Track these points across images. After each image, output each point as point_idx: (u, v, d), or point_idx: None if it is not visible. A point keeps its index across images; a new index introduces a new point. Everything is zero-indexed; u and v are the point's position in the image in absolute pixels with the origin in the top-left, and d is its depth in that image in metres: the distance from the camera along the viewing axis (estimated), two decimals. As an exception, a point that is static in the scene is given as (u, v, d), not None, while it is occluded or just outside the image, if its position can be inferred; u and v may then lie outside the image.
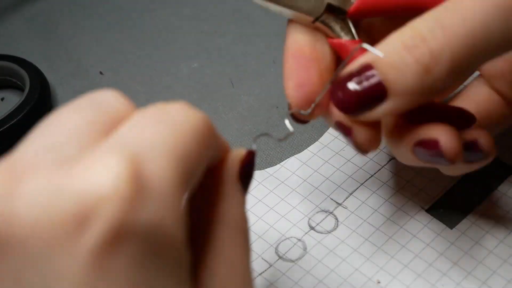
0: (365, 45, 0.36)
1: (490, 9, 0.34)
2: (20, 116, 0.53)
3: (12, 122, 0.53)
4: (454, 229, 0.45)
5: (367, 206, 0.47)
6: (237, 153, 0.35)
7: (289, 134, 0.39)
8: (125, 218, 0.26)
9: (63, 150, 0.28)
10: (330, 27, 0.39)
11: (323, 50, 0.40)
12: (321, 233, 0.46)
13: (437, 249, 0.44)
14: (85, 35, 0.61)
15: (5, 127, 0.53)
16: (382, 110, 0.36)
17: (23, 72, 0.56)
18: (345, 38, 0.39)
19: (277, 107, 0.55)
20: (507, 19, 0.34)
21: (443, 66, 0.34)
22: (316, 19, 0.39)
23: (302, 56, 0.39)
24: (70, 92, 0.57)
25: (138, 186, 0.27)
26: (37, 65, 0.57)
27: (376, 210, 0.47)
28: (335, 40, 0.39)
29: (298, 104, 0.39)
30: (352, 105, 0.37)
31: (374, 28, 0.42)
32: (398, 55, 0.35)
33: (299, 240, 0.46)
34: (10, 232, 0.26)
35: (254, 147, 0.36)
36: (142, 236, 0.27)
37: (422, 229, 0.45)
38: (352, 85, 0.36)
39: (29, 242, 0.26)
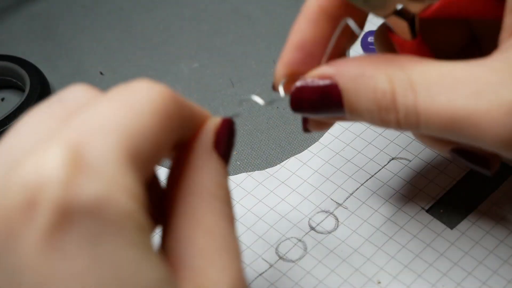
0: (349, 22, 0.38)
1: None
2: (20, 116, 0.53)
3: (12, 122, 0.53)
4: (454, 229, 0.45)
5: (367, 207, 0.47)
6: (213, 122, 0.36)
7: (275, 99, 0.40)
8: (66, 197, 0.28)
9: (22, 147, 0.30)
10: (393, 27, 0.39)
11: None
12: (322, 233, 0.46)
13: (438, 249, 0.44)
14: (85, 35, 0.61)
15: (5, 127, 0.53)
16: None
17: (23, 72, 0.56)
18: (406, 37, 0.39)
19: (277, 107, 0.55)
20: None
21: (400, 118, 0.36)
22: (386, 16, 0.39)
23: (301, 51, 0.40)
24: (70, 92, 0.57)
25: (76, 166, 0.28)
26: (37, 65, 0.57)
27: (376, 211, 0.46)
28: (396, 37, 0.39)
29: (291, 66, 0.40)
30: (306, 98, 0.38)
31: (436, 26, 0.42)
32: (363, 84, 0.37)
33: (300, 240, 0.46)
34: None
35: (238, 112, 0.36)
36: (88, 211, 0.28)
37: (422, 230, 0.45)
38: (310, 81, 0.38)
39: None
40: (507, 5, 0.36)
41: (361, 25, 0.40)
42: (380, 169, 0.49)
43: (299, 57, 0.39)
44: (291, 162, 0.50)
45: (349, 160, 0.49)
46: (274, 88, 0.41)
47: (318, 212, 0.47)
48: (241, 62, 0.58)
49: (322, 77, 0.38)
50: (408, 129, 0.37)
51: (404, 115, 0.36)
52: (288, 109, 0.54)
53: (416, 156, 0.49)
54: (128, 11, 0.63)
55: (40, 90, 0.55)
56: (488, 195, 0.47)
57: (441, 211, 0.46)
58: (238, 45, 0.59)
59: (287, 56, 0.40)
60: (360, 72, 0.37)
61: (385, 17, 0.38)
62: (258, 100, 0.40)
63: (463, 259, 0.44)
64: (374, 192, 0.47)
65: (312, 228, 0.46)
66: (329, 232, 0.46)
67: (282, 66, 0.40)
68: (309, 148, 0.51)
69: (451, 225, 0.45)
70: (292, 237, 0.46)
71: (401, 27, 0.39)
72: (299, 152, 0.51)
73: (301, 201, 0.48)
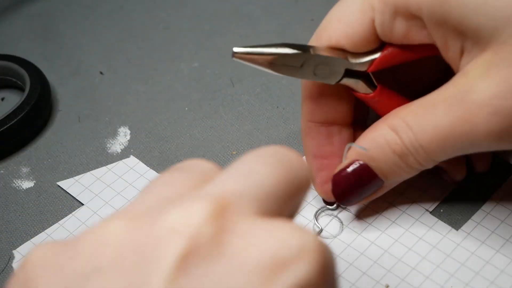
0: (352, 144, 0.44)
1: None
2: (20, 116, 0.53)
3: (12, 122, 0.53)
4: (459, 230, 0.45)
5: (371, 210, 0.47)
6: None
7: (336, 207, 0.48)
8: (315, 279, 0.29)
9: (264, 202, 0.31)
10: (351, 87, 0.44)
11: (339, 141, 0.46)
12: (327, 238, 0.46)
13: (444, 250, 0.44)
14: (85, 35, 0.61)
15: (5, 127, 0.53)
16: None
17: (23, 72, 0.56)
18: (366, 91, 0.44)
19: (277, 107, 0.55)
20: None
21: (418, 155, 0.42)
22: (337, 82, 0.43)
23: (316, 158, 0.46)
24: (70, 92, 0.57)
25: (329, 263, 0.30)
26: (37, 65, 0.57)
27: (380, 214, 0.46)
28: (358, 94, 0.44)
29: (326, 195, 0.47)
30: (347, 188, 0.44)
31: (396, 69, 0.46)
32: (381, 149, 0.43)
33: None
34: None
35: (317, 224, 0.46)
36: None
37: (428, 231, 0.45)
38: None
39: (236, 274, 0.28)
40: (438, 46, 0.41)
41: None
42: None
43: (321, 163, 0.46)
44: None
45: (351, 163, 0.49)
46: (326, 203, 0.47)
47: (322, 216, 0.47)
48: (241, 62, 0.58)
49: (350, 164, 0.44)
50: (428, 164, 0.42)
51: (416, 153, 0.41)
52: (288, 108, 0.54)
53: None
54: (128, 11, 0.63)
55: (40, 90, 0.55)
56: (491, 195, 0.47)
57: (446, 212, 0.46)
58: (238, 45, 0.59)
59: (311, 169, 0.46)
60: (370, 138, 0.43)
61: (337, 83, 0.43)
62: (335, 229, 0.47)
63: (470, 259, 0.44)
64: (378, 195, 0.47)
65: (317, 233, 0.46)
66: (334, 237, 0.46)
67: (313, 178, 0.47)
68: (310, 152, 0.51)
69: (456, 226, 0.46)
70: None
71: (357, 85, 0.44)
72: (300, 153, 0.51)
73: (305, 206, 0.48)
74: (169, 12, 0.62)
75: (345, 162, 0.44)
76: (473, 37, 0.39)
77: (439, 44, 0.41)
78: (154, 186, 0.32)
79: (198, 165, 0.33)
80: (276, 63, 0.42)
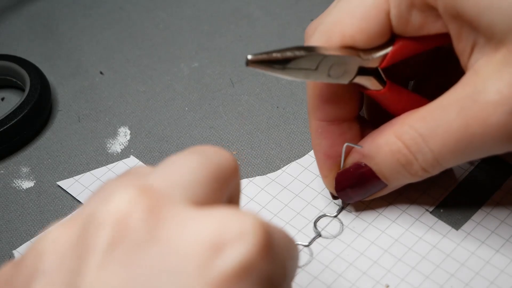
0: (349, 144, 0.44)
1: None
2: (20, 116, 0.53)
3: (12, 122, 0.53)
4: (459, 230, 0.45)
5: (371, 210, 0.47)
6: None
7: (340, 208, 0.48)
8: (254, 260, 0.29)
9: (192, 189, 0.32)
10: (363, 84, 0.43)
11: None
12: (327, 238, 0.46)
13: (444, 250, 0.44)
14: (85, 35, 0.61)
15: (5, 127, 0.53)
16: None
17: (23, 72, 0.56)
18: (377, 88, 0.43)
19: (278, 107, 0.55)
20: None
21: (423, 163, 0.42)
22: (351, 81, 0.43)
23: (329, 158, 0.46)
24: (70, 92, 0.57)
25: (270, 243, 0.30)
26: (37, 65, 0.57)
27: (380, 213, 0.46)
28: (369, 91, 0.44)
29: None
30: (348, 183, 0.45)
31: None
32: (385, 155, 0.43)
33: (305, 246, 0.46)
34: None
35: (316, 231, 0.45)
36: (257, 281, 0.29)
37: (428, 231, 0.45)
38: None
39: (172, 258, 0.29)
40: (452, 35, 0.40)
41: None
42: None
43: (333, 162, 0.46)
44: (293, 167, 0.50)
45: (351, 163, 0.49)
46: (335, 197, 0.48)
47: (322, 217, 0.47)
48: (241, 62, 0.58)
49: (354, 165, 0.44)
50: (434, 170, 0.42)
51: (423, 160, 0.41)
52: (288, 108, 0.54)
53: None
54: (128, 11, 0.63)
55: (40, 90, 0.55)
56: (491, 195, 0.47)
57: (446, 212, 0.46)
58: (238, 45, 0.59)
59: (322, 168, 0.46)
60: (375, 145, 0.43)
61: (350, 82, 0.42)
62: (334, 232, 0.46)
63: (470, 259, 0.44)
64: (378, 195, 0.47)
65: (318, 233, 0.46)
66: (335, 237, 0.46)
67: (325, 176, 0.47)
68: (310, 153, 0.51)
69: (456, 226, 0.46)
70: (297, 243, 0.46)
71: (369, 82, 0.43)
72: (300, 153, 0.51)
73: (305, 206, 0.48)
74: (169, 12, 0.62)
75: (349, 162, 0.45)
76: (486, 34, 0.39)
77: (453, 34, 0.40)
78: (95, 193, 0.33)
79: (140, 169, 0.34)
80: (291, 67, 0.41)
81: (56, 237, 0.30)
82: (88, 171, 0.52)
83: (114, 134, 0.54)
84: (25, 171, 0.52)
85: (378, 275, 0.44)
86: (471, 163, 0.48)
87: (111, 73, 0.58)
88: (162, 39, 0.60)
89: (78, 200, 0.50)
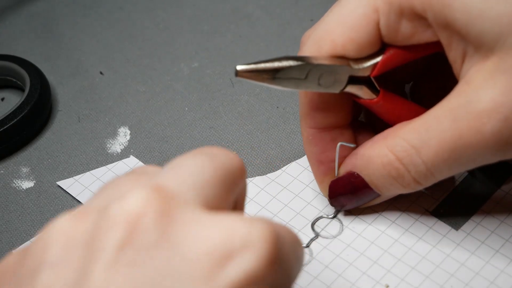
0: (342, 143, 0.45)
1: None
2: (20, 116, 0.53)
3: (12, 122, 0.53)
4: (459, 230, 0.45)
5: (371, 210, 0.47)
6: None
7: (337, 211, 0.48)
8: (262, 271, 0.29)
9: (202, 190, 0.32)
10: (355, 94, 0.43)
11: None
12: (327, 238, 0.46)
13: (444, 250, 0.44)
14: (85, 35, 0.61)
15: (5, 127, 0.53)
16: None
17: (23, 72, 0.56)
18: (370, 97, 0.43)
19: (277, 107, 0.55)
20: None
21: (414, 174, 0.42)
22: (342, 90, 0.43)
23: (322, 163, 0.46)
24: (70, 92, 0.57)
25: (278, 253, 0.30)
26: (37, 65, 0.57)
27: (380, 214, 0.46)
28: (362, 100, 0.44)
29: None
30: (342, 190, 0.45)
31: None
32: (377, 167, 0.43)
33: (305, 246, 0.46)
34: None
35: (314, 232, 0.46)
36: None
37: (428, 231, 0.45)
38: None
39: (179, 264, 0.29)
40: (443, 44, 0.41)
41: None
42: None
43: (327, 168, 0.46)
44: (292, 167, 0.50)
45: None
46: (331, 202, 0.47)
47: (322, 217, 0.47)
48: (241, 62, 0.58)
49: (349, 173, 0.45)
50: (427, 181, 0.42)
51: (416, 171, 0.41)
52: (288, 108, 0.54)
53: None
54: (128, 11, 0.63)
55: (40, 90, 0.55)
56: (491, 195, 0.47)
57: (446, 212, 0.46)
58: (238, 45, 0.59)
59: (316, 173, 0.47)
60: (367, 156, 0.43)
61: (341, 91, 0.43)
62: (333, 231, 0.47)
63: (470, 259, 0.44)
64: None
65: (317, 233, 0.46)
66: (334, 237, 0.46)
67: (320, 182, 0.47)
68: (309, 153, 0.51)
69: (456, 226, 0.46)
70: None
71: (361, 91, 0.43)
72: (299, 153, 0.51)
73: (305, 206, 0.48)
74: (169, 12, 0.62)
75: (342, 172, 0.45)
76: (475, 43, 0.39)
77: (444, 43, 0.41)
78: (104, 188, 0.33)
79: (148, 168, 0.34)
80: (281, 77, 0.41)
81: (65, 229, 0.30)
82: (88, 171, 0.52)
83: (114, 134, 0.54)
84: (25, 171, 0.52)
85: (378, 275, 0.44)
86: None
87: (111, 73, 0.58)
88: (162, 39, 0.60)
89: (78, 200, 0.50)
